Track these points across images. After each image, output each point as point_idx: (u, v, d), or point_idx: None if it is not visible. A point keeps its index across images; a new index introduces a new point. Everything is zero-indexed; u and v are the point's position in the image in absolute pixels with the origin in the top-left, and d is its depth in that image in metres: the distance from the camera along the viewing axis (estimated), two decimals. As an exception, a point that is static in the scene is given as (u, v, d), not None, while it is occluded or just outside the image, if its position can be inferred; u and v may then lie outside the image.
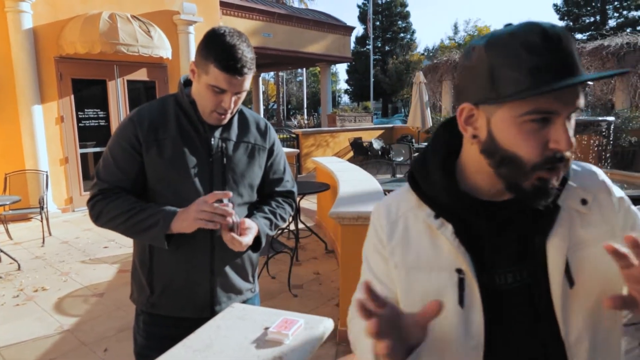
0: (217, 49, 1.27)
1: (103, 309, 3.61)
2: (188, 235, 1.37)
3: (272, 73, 32.74)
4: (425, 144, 10.76)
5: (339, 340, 3.01)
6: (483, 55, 0.71)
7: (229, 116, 1.40)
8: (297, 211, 5.05)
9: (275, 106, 39.76)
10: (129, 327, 3.27)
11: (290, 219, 5.11)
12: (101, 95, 7.40)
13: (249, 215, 1.49)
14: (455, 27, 46.06)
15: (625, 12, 29.79)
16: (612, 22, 29.81)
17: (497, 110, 0.71)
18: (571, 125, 0.72)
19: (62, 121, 6.94)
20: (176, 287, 1.43)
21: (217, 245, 1.42)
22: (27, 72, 6.40)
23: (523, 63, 0.67)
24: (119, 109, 7.55)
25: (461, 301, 0.76)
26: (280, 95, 33.81)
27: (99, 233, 5.84)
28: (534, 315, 0.77)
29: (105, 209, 1.36)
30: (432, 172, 0.82)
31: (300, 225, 5.27)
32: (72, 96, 7.03)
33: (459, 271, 0.77)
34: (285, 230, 5.20)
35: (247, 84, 1.34)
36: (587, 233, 0.78)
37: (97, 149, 7.44)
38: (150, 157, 1.37)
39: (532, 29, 0.67)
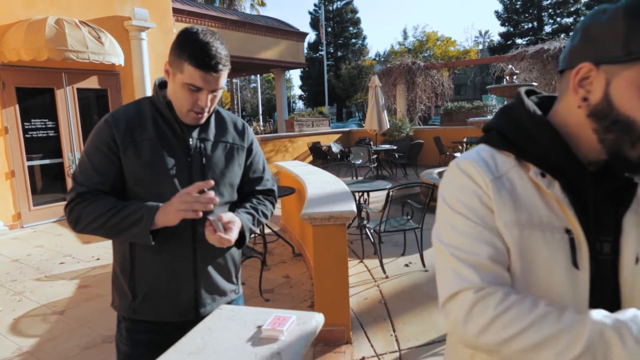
0: (191, 46, 1.27)
1: (65, 327, 3.43)
2: (170, 237, 1.36)
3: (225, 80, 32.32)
4: (384, 146, 10.99)
5: (316, 340, 3.02)
6: (620, 15, 0.69)
7: (206, 115, 1.39)
8: (263, 216, 5.01)
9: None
10: (94, 345, 3.13)
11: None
12: (49, 104, 7.03)
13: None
14: (405, 32, 47.48)
15: (558, 19, 31.99)
16: (547, 28, 31.87)
17: (623, 70, 0.69)
18: None
19: (6, 132, 6.54)
20: (159, 291, 1.41)
21: (199, 247, 1.41)
22: (-34, 81, 6.00)
23: None
24: (69, 118, 7.21)
25: (575, 262, 0.75)
26: (235, 102, 33.43)
27: (53, 249, 5.54)
28: (612, 293, 0.77)
29: (84, 211, 1.33)
30: (537, 131, 0.79)
31: (267, 230, 5.25)
32: (17, 106, 6.63)
33: (568, 231, 0.75)
34: (252, 236, 5.15)
35: (223, 81, 1.34)
36: None
37: (47, 161, 7.06)
38: (127, 159, 1.35)
39: None
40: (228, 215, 1.38)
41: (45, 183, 7.18)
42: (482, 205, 0.79)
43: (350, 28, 38.76)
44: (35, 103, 6.96)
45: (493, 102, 13.11)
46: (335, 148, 11.96)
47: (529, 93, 0.90)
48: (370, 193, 6.27)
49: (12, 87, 6.56)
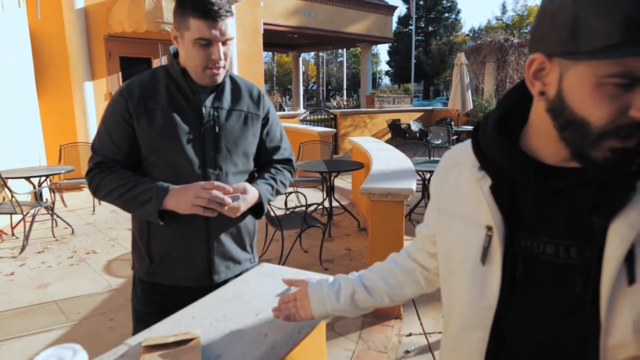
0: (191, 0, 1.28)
1: (147, 272, 3.87)
2: None
3: (312, 53, 32.64)
4: (466, 127, 10.54)
5: (366, 311, 3.12)
6: (569, 0, 0.59)
7: (222, 71, 1.38)
8: (332, 189, 5.15)
9: (315, 87, 39.71)
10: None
11: (325, 196, 5.25)
12: (147, 72, 7.70)
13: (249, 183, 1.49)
14: (504, 6, 44.13)
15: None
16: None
17: (574, 66, 0.60)
18: None
19: (110, 97, 7.28)
20: (174, 257, 1.44)
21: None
22: (79, 50, 6.75)
23: (617, 12, 0.54)
24: (163, 86, 7.83)
25: (483, 259, 0.74)
26: (320, 76, 33.71)
27: (144, 204, 6.16)
28: (575, 302, 0.68)
29: (101, 182, 1.38)
30: (488, 125, 0.77)
31: (335, 204, 5.39)
32: (120, 73, 7.37)
33: (489, 228, 0.73)
34: (320, 207, 5.32)
35: (231, 30, 1.33)
36: None
37: (143, 125, 7.78)
38: (141, 128, 1.37)
39: None
40: (247, 187, 1.40)
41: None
42: (434, 190, 0.90)
43: (444, 1, 36.90)
44: (135, 71, 7.63)
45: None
46: (415, 126, 11.70)
47: None
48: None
49: (116, 56, 7.28)
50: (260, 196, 1.45)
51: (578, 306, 0.68)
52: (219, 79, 1.40)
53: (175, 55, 1.43)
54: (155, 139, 1.37)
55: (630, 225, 0.63)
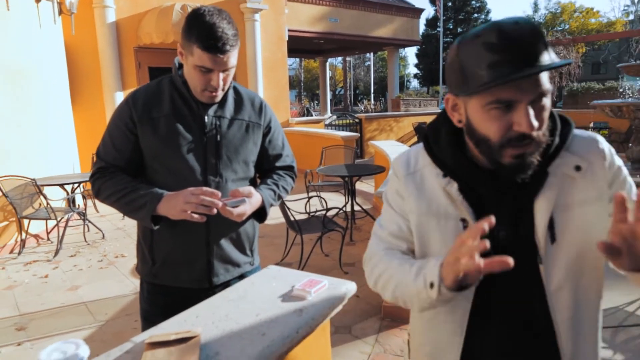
0: (198, 29, 1.29)
1: (171, 275, 3.99)
2: None
3: (339, 58, 32.73)
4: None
5: (384, 315, 3.12)
6: (455, 54, 0.85)
7: (220, 93, 1.42)
8: (353, 193, 5.16)
9: (342, 91, 39.78)
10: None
11: (348, 199, 5.28)
12: (175, 82, 7.93)
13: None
14: (535, 4, 42.92)
15: None
16: None
17: (469, 100, 0.85)
18: (543, 107, 0.81)
19: (140, 106, 7.56)
20: (175, 260, 1.49)
21: (211, 219, 1.41)
22: (111, 62, 7.04)
23: (483, 60, 0.78)
24: (190, 94, 8.05)
25: None
26: (348, 80, 33.73)
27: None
28: (521, 266, 0.84)
29: (102, 186, 1.44)
30: (442, 138, 0.95)
31: (357, 207, 5.40)
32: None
33: (464, 220, 0.91)
34: (342, 211, 5.34)
35: (233, 60, 1.36)
36: (574, 196, 0.88)
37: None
38: (145, 136, 1.41)
39: (491, 29, 0.79)
40: (251, 191, 1.44)
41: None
42: (398, 196, 1.03)
43: (473, 2, 36.31)
44: (164, 81, 7.89)
45: (629, 83, 11.42)
46: (442, 129, 11.56)
47: None
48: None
49: (145, 66, 7.54)
50: (263, 200, 1.49)
51: (526, 266, 0.89)
52: (217, 99, 1.45)
53: (181, 65, 1.47)
54: (158, 147, 1.42)
55: (548, 200, 0.87)
